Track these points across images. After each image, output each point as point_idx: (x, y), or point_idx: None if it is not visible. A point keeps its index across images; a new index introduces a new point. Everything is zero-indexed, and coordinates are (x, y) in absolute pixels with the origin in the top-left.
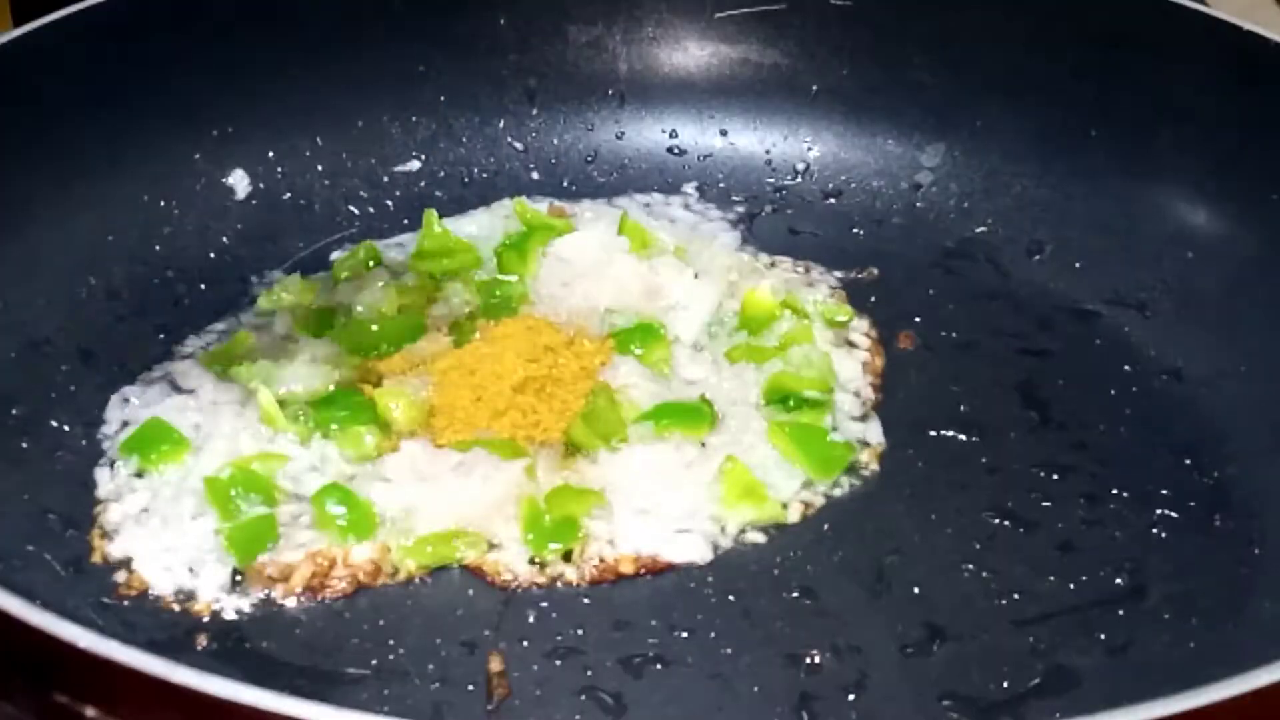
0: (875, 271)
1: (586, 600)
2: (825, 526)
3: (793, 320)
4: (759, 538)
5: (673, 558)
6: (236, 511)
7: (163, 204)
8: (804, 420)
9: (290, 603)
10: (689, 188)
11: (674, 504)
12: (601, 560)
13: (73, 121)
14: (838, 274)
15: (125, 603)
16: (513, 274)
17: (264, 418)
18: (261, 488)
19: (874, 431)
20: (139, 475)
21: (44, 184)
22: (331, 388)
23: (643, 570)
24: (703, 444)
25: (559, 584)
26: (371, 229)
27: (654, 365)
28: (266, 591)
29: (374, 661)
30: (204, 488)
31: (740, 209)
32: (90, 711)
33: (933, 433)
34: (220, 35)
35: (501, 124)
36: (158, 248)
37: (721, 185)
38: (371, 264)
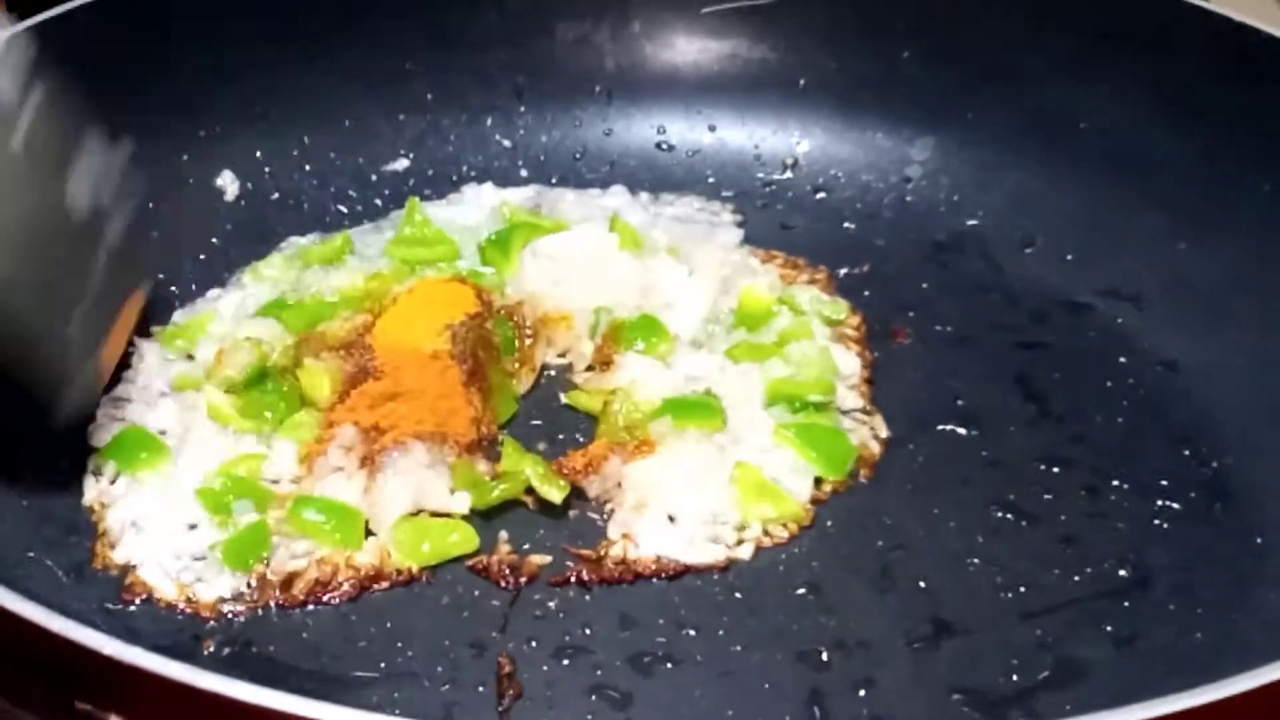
0: (867, 266)
1: (593, 599)
2: (829, 523)
3: (790, 316)
4: (765, 536)
5: (694, 560)
6: (232, 520)
7: (151, 206)
8: (809, 420)
9: (296, 606)
10: (678, 184)
11: (694, 506)
12: (622, 562)
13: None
14: (830, 269)
15: (129, 608)
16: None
17: (211, 413)
18: (253, 493)
19: (875, 426)
20: (133, 480)
21: None
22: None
23: (662, 573)
24: (717, 444)
25: (565, 583)
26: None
27: (659, 357)
28: (272, 598)
29: (382, 664)
30: (198, 500)
31: (730, 205)
32: (113, 718)
33: (932, 427)
34: (206, 35)
35: (490, 121)
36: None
37: (710, 181)
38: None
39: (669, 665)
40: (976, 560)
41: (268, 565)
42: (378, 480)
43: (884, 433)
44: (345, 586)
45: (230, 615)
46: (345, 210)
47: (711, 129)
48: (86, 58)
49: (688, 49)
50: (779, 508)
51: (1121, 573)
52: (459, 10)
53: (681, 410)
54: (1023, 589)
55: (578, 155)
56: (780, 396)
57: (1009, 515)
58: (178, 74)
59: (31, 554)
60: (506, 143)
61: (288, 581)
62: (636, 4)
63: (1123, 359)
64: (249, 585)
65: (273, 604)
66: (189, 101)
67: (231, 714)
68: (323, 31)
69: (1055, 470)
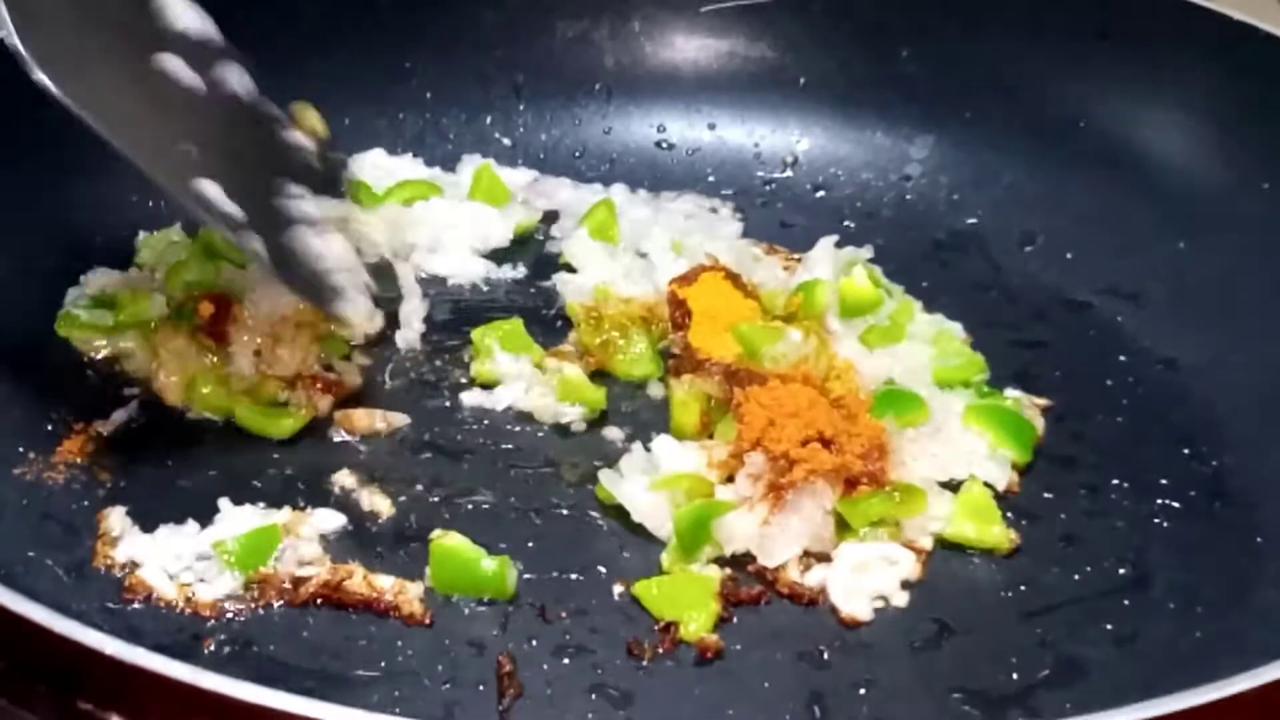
0: None
1: (592, 598)
2: None
3: (891, 302)
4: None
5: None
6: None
7: (151, 205)
8: (990, 401)
9: (297, 606)
10: (678, 182)
11: None
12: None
13: (61, 121)
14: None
15: (130, 607)
16: None
17: None
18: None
19: None
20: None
21: (33, 185)
22: None
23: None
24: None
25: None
26: None
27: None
28: (273, 598)
29: (383, 663)
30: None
31: (730, 203)
32: (114, 717)
33: None
34: None
35: (489, 120)
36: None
37: (710, 179)
38: None
39: (669, 664)
40: (976, 559)
41: (274, 569)
42: (778, 518)
43: None
44: (355, 596)
45: (230, 615)
46: None
47: (711, 127)
48: None
49: (687, 47)
50: (988, 534)
51: (1121, 571)
52: (458, 10)
53: (891, 405)
54: (1023, 588)
55: (577, 154)
56: (946, 380)
57: (1009, 513)
58: None
59: (31, 554)
60: (506, 141)
61: (294, 584)
62: (636, 2)
63: (1122, 357)
64: (250, 585)
65: (274, 604)
66: None
67: (232, 714)
68: (322, 30)
69: (1055, 469)
